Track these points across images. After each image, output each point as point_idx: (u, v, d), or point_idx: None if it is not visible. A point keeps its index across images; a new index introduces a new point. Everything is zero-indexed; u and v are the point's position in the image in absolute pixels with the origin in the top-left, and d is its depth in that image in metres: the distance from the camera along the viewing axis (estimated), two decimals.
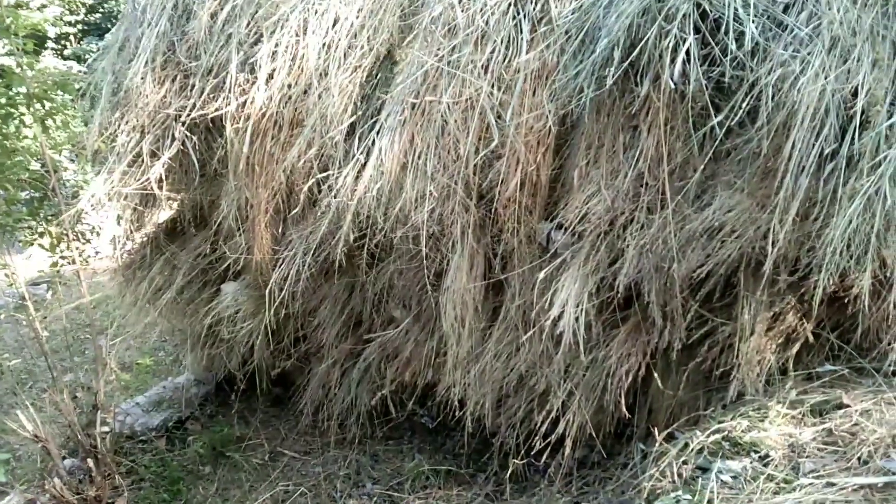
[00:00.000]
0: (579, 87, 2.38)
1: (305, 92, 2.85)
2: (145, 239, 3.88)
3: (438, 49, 2.54)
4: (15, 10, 3.50)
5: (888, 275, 2.01)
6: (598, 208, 2.43)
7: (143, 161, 3.30)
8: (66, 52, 11.38)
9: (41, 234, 4.03)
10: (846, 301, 2.15)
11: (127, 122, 3.33)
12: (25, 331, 4.78)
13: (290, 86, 2.86)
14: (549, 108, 2.46)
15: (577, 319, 2.41)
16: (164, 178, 3.34)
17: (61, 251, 3.99)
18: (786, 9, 2.12)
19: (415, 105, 2.58)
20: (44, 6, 10.08)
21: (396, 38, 2.77)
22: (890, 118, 1.93)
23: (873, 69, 1.98)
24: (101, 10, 11.95)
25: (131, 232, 3.74)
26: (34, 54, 3.98)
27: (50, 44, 10.71)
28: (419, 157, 2.58)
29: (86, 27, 12.00)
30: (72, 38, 11.66)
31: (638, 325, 2.49)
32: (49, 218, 4.03)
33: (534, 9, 2.49)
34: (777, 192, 2.03)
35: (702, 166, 2.22)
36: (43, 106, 3.48)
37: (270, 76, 2.90)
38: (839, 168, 1.97)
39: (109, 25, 11.96)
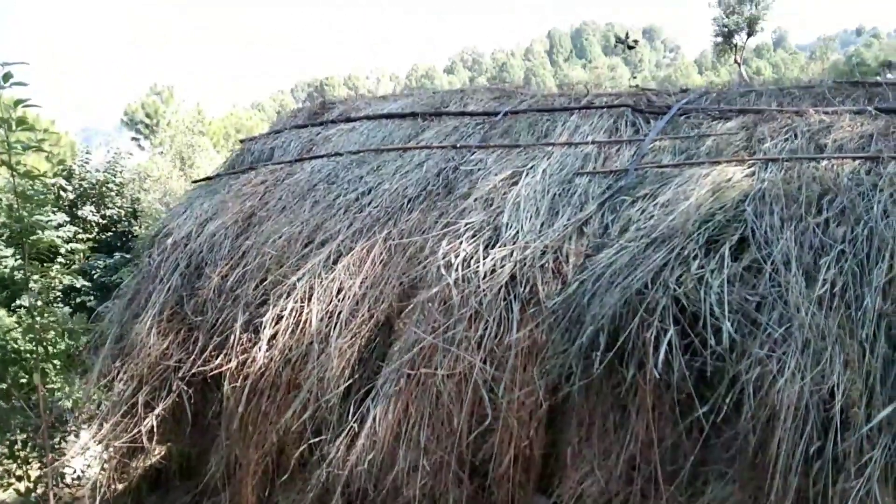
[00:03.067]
0: (568, 365, 2.49)
1: (305, 355, 2.94)
2: (126, 487, 3.75)
3: (434, 324, 2.69)
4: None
5: None
6: (592, 489, 2.41)
7: (137, 412, 3.32)
8: (73, 266, 11.79)
9: (18, 479, 3.91)
10: None
11: (126, 372, 3.40)
12: None
13: (290, 348, 2.97)
14: (540, 384, 2.54)
15: None
16: (155, 428, 3.33)
17: (36, 497, 3.84)
18: (758, 307, 2.29)
19: (410, 375, 2.66)
20: (60, 225, 10.69)
21: (396, 308, 2.94)
22: (869, 420, 2.00)
23: (846, 370, 2.09)
24: (113, 229, 12.59)
25: (113, 481, 3.63)
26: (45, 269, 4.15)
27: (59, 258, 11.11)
28: (413, 428, 2.61)
29: (96, 245, 12.55)
30: (81, 253, 12.15)
31: None
32: (30, 459, 3.94)
33: (523, 291, 2.67)
34: (769, 491, 2.04)
35: (692, 454, 2.25)
36: (47, 352, 3.58)
37: (273, 338, 3.02)
38: (826, 467, 2.00)
39: (119, 244, 12.48)
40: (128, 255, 10.91)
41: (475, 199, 3.02)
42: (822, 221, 2.37)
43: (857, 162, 2.57)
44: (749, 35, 26.05)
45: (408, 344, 2.71)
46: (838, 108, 2.98)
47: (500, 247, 2.78)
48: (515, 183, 3.08)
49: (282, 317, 3.03)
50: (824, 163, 2.61)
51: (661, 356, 2.26)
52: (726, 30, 25.51)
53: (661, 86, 4.19)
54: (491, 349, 2.63)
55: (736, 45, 26.30)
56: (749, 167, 2.69)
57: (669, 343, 2.27)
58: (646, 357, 2.31)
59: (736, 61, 27.10)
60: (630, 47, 5.82)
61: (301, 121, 4.43)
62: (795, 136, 2.82)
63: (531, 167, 3.15)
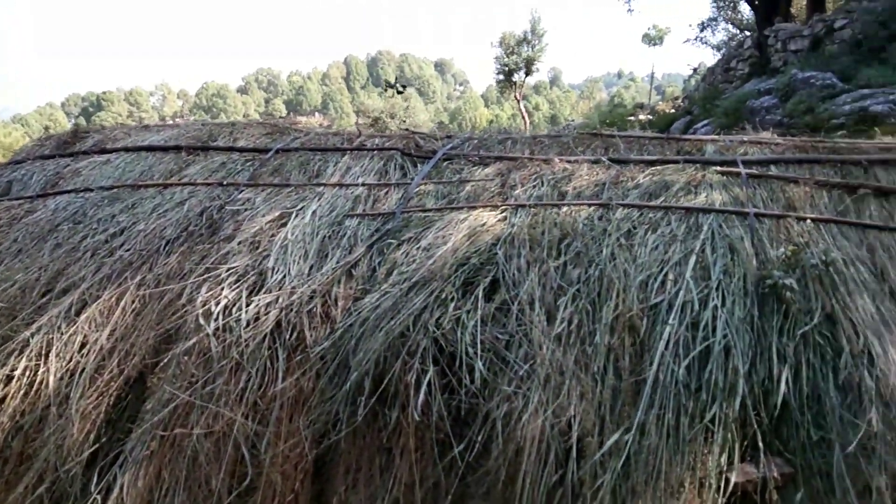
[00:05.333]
0: (335, 412, 2.46)
1: (41, 420, 2.60)
2: None
3: (192, 378, 2.52)
4: None
5: None
6: None
7: None
8: None
9: None
10: None
11: None
12: None
13: (23, 413, 2.61)
14: (306, 434, 2.48)
15: None
16: None
17: None
18: (507, 345, 2.44)
19: (164, 437, 2.46)
20: None
21: (150, 362, 2.71)
22: (601, 448, 2.21)
23: (581, 401, 2.30)
24: None
25: None
26: None
27: None
28: (166, 495, 2.41)
29: None
30: None
31: None
32: None
33: (290, 338, 2.61)
34: None
35: (451, 492, 2.33)
36: None
37: (1, 402, 2.63)
38: (566, 496, 2.17)
39: None
40: None
41: (240, 242, 2.90)
42: (561, 264, 2.61)
43: (592, 208, 2.87)
44: (527, 74, 28.41)
45: (161, 402, 2.51)
46: (579, 157, 3.32)
47: (265, 293, 2.69)
48: (284, 224, 3.01)
49: (12, 377, 2.65)
50: (564, 209, 2.87)
51: (421, 397, 2.32)
52: (507, 68, 27.61)
53: (433, 128, 4.37)
54: (254, 402, 2.52)
55: (516, 83, 28.53)
56: (502, 212, 2.89)
57: (429, 384, 2.34)
58: (408, 399, 2.36)
59: (516, 97, 29.39)
60: (399, 92, 6.11)
61: (48, 151, 3.96)
62: (542, 183, 3.08)
63: (301, 208, 3.10)
